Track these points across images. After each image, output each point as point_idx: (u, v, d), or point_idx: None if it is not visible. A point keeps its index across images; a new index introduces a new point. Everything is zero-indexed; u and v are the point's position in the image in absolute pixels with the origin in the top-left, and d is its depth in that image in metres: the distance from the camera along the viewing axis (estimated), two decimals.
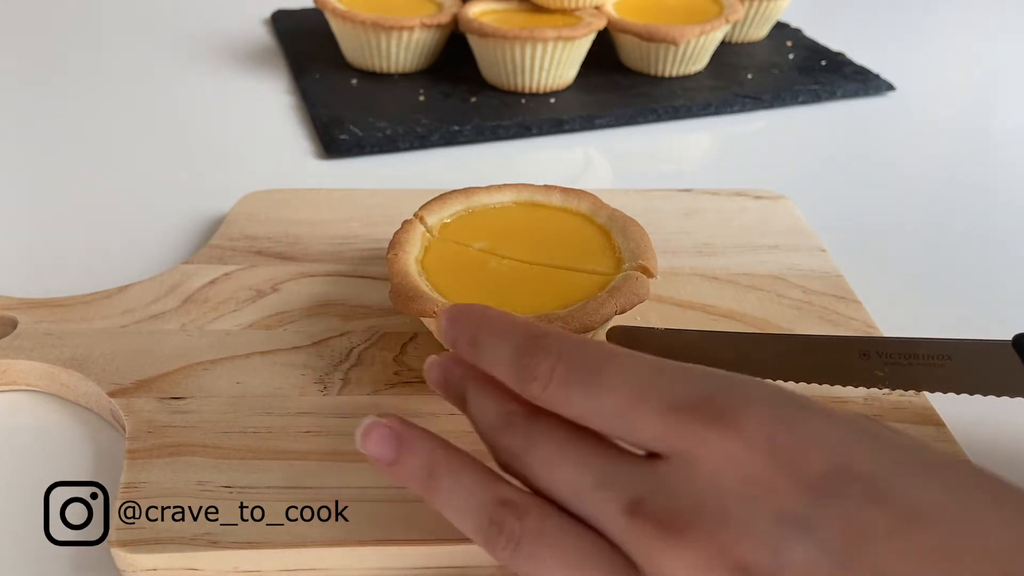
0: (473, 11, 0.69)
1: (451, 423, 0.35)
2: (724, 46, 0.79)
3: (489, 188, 0.43)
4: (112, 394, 0.37)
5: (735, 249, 0.48)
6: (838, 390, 0.38)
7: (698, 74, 0.74)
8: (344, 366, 0.38)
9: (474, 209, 0.42)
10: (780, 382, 0.32)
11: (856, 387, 0.35)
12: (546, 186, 0.42)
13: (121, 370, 0.38)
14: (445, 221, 0.42)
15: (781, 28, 0.84)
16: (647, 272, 0.36)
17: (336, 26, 0.71)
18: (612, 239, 0.39)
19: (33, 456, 0.36)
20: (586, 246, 0.39)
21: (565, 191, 0.42)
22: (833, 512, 0.22)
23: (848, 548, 0.21)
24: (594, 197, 0.41)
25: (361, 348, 0.39)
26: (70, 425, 0.38)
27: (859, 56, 0.78)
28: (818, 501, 0.22)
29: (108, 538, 0.31)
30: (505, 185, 0.43)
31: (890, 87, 0.74)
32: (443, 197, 0.42)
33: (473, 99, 0.68)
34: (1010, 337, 0.36)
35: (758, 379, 0.24)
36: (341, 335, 0.40)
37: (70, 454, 0.36)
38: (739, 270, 0.46)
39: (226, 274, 0.44)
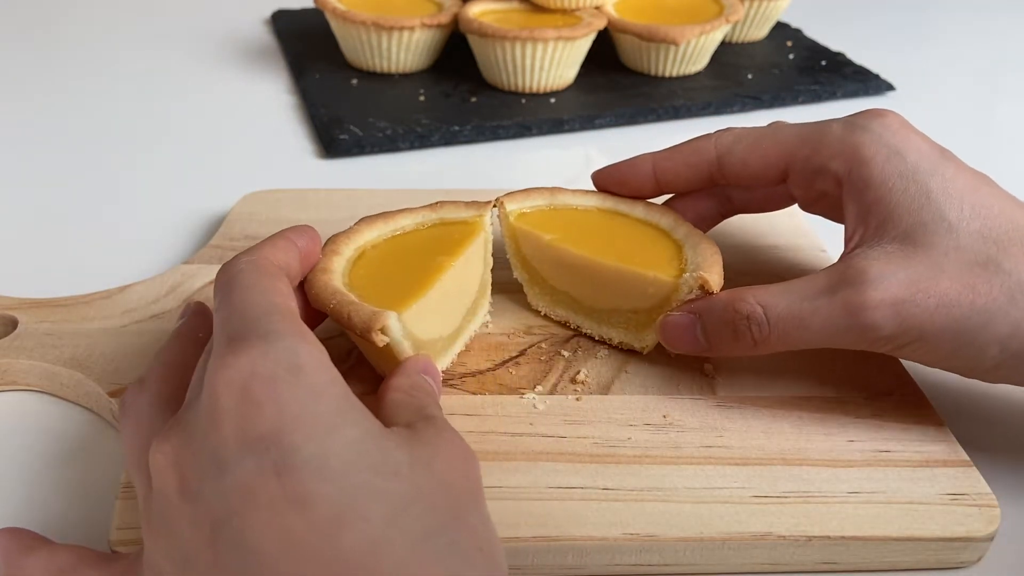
0: (473, 11, 0.69)
1: (451, 423, 0.35)
2: (724, 46, 0.79)
3: (576, 191, 0.43)
4: (112, 394, 0.37)
5: (735, 249, 0.48)
6: (841, 388, 0.38)
7: (698, 74, 0.74)
8: (343, 367, 0.38)
9: (556, 207, 0.42)
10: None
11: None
12: (631, 199, 0.42)
13: (121, 370, 0.38)
14: (524, 211, 0.42)
15: (781, 28, 0.85)
16: (706, 284, 0.36)
17: (336, 26, 0.71)
18: (683, 252, 0.39)
19: (33, 456, 0.36)
20: (655, 253, 0.39)
21: (649, 205, 0.42)
22: (242, 470, 0.23)
23: (231, 509, 0.23)
24: (677, 215, 0.41)
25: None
26: (70, 425, 0.38)
27: (859, 56, 0.78)
28: (240, 455, 0.24)
29: (108, 538, 0.31)
30: (592, 191, 0.43)
31: (890, 87, 0.74)
32: (528, 190, 0.42)
33: (473, 99, 0.68)
34: None
35: (282, 338, 0.26)
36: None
37: (70, 454, 0.36)
38: (739, 270, 0.46)
39: None
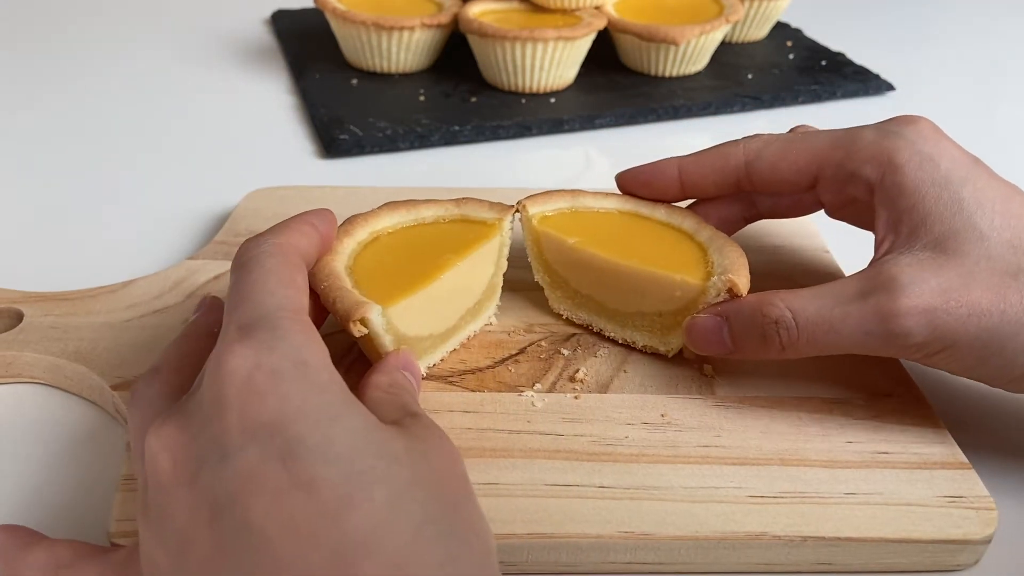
0: (473, 11, 0.69)
1: (449, 420, 0.36)
2: (724, 46, 0.79)
3: (596, 193, 0.43)
4: (115, 387, 0.37)
5: None
6: (840, 390, 0.38)
7: (698, 74, 0.74)
8: (346, 361, 0.38)
9: (577, 209, 0.42)
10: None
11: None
12: (652, 201, 0.42)
13: (125, 364, 0.38)
14: (547, 214, 0.41)
15: (781, 28, 0.85)
16: (734, 287, 0.36)
17: (336, 26, 0.71)
18: (708, 255, 0.39)
19: (36, 448, 0.36)
20: (680, 256, 0.39)
21: (671, 207, 0.42)
22: (246, 456, 0.24)
23: (234, 494, 0.23)
24: (698, 218, 0.41)
25: None
26: (73, 418, 0.38)
27: (859, 56, 0.79)
28: (243, 443, 0.24)
29: (108, 531, 0.31)
30: (612, 193, 0.43)
31: (890, 87, 0.74)
32: (549, 193, 0.42)
33: (473, 99, 0.68)
34: None
35: (290, 335, 0.27)
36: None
37: (73, 447, 0.36)
38: None
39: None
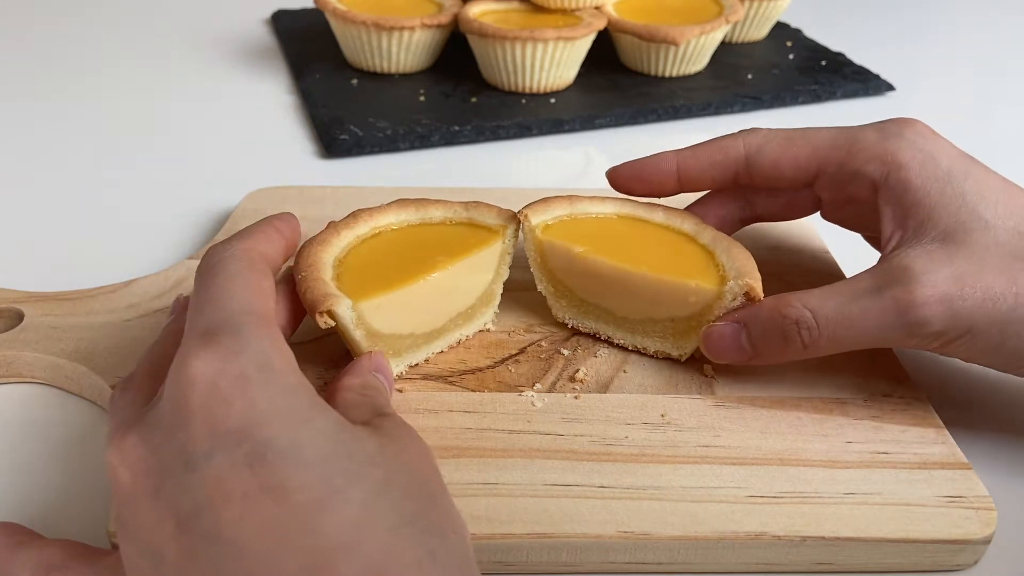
0: (473, 11, 0.69)
1: (449, 419, 0.36)
2: (724, 46, 0.79)
3: (592, 198, 0.42)
4: (115, 387, 0.37)
5: None
6: (840, 389, 0.38)
7: (698, 74, 0.74)
8: (344, 363, 0.38)
9: (577, 216, 0.41)
10: None
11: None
12: (649, 203, 0.42)
13: (125, 363, 0.38)
14: (548, 222, 0.41)
15: (781, 28, 0.85)
16: (752, 291, 0.36)
17: (336, 26, 0.71)
18: (716, 258, 0.38)
19: (36, 447, 0.36)
20: (689, 260, 0.38)
21: (668, 210, 0.41)
22: (213, 464, 0.24)
23: (202, 503, 0.23)
24: (698, 219, 0.41)
25: None
26: (73, 417, 0.38)
27: (859, 56, 0.79)
28: (212, 449, 0.24)
29: (108, 531, 0.31)
30: (608, 197, 0.42)
31: (890, 87, 0.74)
32: (546, 200, 0.41)
33: (473, 99, 0.68)
34: None
35: (255, 339, 0.26)
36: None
37: (73, 447, 0.36)
38: None
39: None
